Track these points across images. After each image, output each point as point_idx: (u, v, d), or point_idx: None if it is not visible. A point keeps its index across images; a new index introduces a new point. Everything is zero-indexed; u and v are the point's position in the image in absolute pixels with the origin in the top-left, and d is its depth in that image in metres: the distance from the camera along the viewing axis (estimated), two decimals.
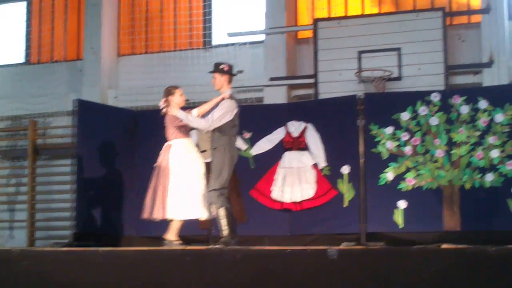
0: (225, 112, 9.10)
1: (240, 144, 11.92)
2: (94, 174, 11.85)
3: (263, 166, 11.96)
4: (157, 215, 8.93)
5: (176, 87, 9.38)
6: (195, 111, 9.13)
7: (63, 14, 17.01)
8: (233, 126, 9.24)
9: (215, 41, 15.90)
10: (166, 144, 9.18)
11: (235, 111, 9.22)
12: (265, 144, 12.02)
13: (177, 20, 16.25)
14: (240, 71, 14.65)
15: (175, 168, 8.98)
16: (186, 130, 9.21)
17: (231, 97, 9.25)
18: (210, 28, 15.96)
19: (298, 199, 11.59)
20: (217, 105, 9.17)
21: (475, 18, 14.20)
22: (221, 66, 9.38)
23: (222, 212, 9.00)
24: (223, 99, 9.18)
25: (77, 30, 16.92)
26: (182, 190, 8.91)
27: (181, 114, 9.05)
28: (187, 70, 14.83)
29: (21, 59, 17.31)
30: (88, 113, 12.18)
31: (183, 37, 16.04)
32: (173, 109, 9.08)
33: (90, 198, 11.81)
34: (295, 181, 11.65)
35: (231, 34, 15.10)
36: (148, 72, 15.46)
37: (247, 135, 12.05)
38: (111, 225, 11.88)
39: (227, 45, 15.30)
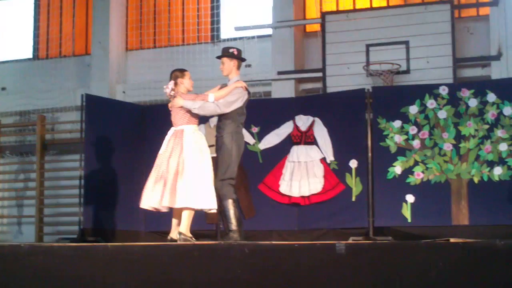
0: (236, 99, 8.78)
1: (248, 138, 11.93)
2: (102, 169, 11.88)
3: (271, 160, 11.96)
4: (168, 203, 8.45)
5: (184, 70, 8.91)
6: (212, 96, 8.70)
7: (71, 9, 17.03)
8: (241, 114, 8.93)
9: (223, 35, 15.90)
10: (174, 129, 8.71)
11: (246, 97, 8.91)
12: (273, 138, 12.02)
13: (185, 14, 16.26)
14: (248, 65, 14.66)
15: (189, 154, 8.51)
16: (197, 115, 8.73)
17: (246, 86, 8.93)
18: (218, 22, 15.95)
19: (306, 193, 11.59)
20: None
21: (484, 11, 14.16)
22: (231, 50, 9.02)
23: (230, 204, 8.73)
24: (235, 87, 8.80)
25: (85, 25, 16.93)
26: (196, 179, 8.44)
27: (189, 104, 8.62)
28: (195, 64, 14.80)
29: (29, 54, 17.34)
30: (96, 108, 12.21)
31: (191, 31, 16.03)
32: (179, 100, 8.66)
33: (98, 193, 11.83)
34: (303, 175, 11.66)
35: (238, 28, 15.08)
36: (156, 66, 15.45)
37: (255, 129, 12.06)
38: (119, 220, 11.91)
39: (235, 39, 15.27)
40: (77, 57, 16.71)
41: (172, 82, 8.73)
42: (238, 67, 9.04)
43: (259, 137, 12.08)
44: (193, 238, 8.51)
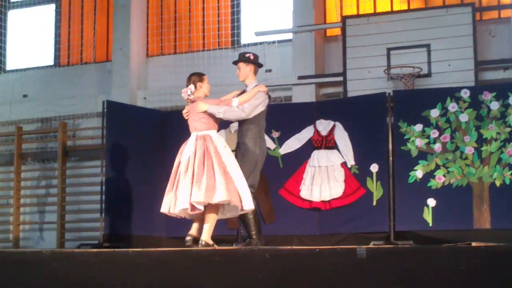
0: (260, 103, 8.75)
1: (269, 143, 11.92)
2: (123, 175, 11.91)
3: (292, 165, 11.95)
4: (196, 198, 8.17)
5: (203, 74, 8.80)
6: (236, 101, 8.62)
7: (92, 16, 17.08)
8: (262, 118, 8.88)
9: (244, 40, 15.89)
10: (196, 134, 8.51)
11: (267, 101, 8.89)
12: (293, 143, 12.01)
13: (205, 20, 16.27)
14: (269, 70, 14.66)
15: (227, 157, 8.37)
16: (218, 120, 8.62)
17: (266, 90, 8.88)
18: (238, 27, 15.93)
19: (327, 198, 11.57)
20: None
21: (505, 13, 14.06)
22: (247, 55, 9.00)
23: (251, 213, 8.67)
24: (258, 91, 8.75)
25: (106, 32, 16.98)
26: (239, 180, 8.30)
27: (214, 109, 8.51)
28: (215, 69, 14.79)
29: (51, 62, 17.41)
30: (117, 114, 12.25)
31: (211, 36, 16.04)
32: (203, 104, 8.51)
33: (119, 199, 11.86)
34: (323, 180, 11.63)
35: (259, 33, 15.07)
36: (176, 72, 15.45)
37: (276, 134, 12.05)
38: (140, 226, 11.93)
39: (255, 44, 15.24)
40: (98, 63, 16.76)
41: (192, 86, 8.66)
42: (255, 72, 9.04)
43: (280, 142, 12.07)
44: (215, 245, 8.37)
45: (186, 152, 8.47)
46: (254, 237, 8.78)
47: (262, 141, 8.89)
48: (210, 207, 8.37)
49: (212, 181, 8.21)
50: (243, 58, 9.02)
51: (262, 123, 8.92)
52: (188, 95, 8.63)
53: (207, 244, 8.30)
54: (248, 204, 8.36)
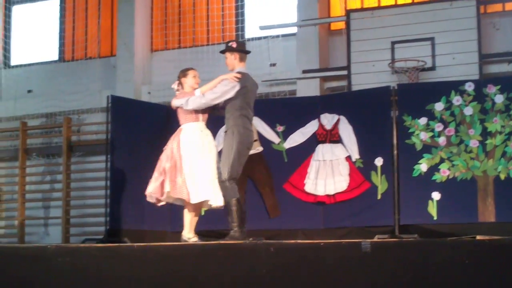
0: (225, 89, 8.66)
1: (273, 137, 11.96)
2: (127, 170, 11.91)
3: (296, 159, 11.94)
4: (169, 189, 8.62)
5: (189, 69, 9.06)
6: (198, 91, 8.79)
7: (96, 11, 17.10)
8: (240, 107, 8.73)
9: (248, 34, 15.87)
10: (178, 128, 8.95)
11: (237, 88, 8.69)
12: (298, 137, 11.99)
13: (209, 14, 16.26)
14: (273, 64, 14.66)
15: (184, 152, 8.67)
16: (197, 113, 8.84)
17: (241, 75, 8.74)
18: (242, 21, 15.92)
19: (332, 192, 11.56)
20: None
21: (510, 6, 14.04)
22: (229, 44, 8.99)
23: (232, 203, 8.61)
24: (222, 80, 8.72)
25: (111, 27, 16.99)
26: (191, 174, 8.56)
27: (178, 102, 8.84)
28: (220, 64, 14.72)
29: (55, 57, 17.45)
30: (122, 109, 12.25)
31: (215, 31, 16.03)
32: (172, 100, 8.94)
33: (124, 194, 11.86)
34: (328, 174, 11.62)
35: (263, 27, 15.06)
36: (181, 67, 15.17)
37: (280, 128, 12.04)
38: (145, 220, 11.92)
39: (259, 38, 15.26)
40: (102, 58, 16.78)
41: (176, 82, 9.03)
42: (241, 60, 8.97)
43: (284, 136, 12.05)
44: (196, 238, 8.74)
45: (168, 144, 8.95)
46: (234, 229, 8.62)
47: (241, 130, 8.71)
48: (185, 203, 8.77)
49: (176, 179, 8.66)
50: (227, 48, 9.00)
51: (243, 112, 8.77)
52: (175, 91, 9.07)
53: (184, 238, 8.72)
54: (195, 197, 8.56)
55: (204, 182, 8.60)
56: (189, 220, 8.82)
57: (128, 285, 7.43)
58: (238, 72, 8.81)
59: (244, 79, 8.80)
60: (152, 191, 8.83)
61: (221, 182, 8.66)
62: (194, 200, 8.58)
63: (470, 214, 10.92)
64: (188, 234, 8.75)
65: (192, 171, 8.60)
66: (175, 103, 8.90)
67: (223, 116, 8.94)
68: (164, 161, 8.79)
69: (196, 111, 8.82)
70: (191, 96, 8.78)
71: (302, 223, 11.72)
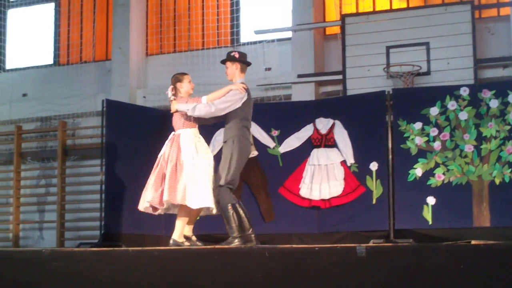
0: (231, 100, 8.71)
1: (268, 142, 11.97)
2: (122, 174, 11.90)
3: (291, 164, 11.93)
4: (168, 198, 8.59)
5: (184, 74, 9.07)
6: (205, 98, 8.78)
7: (91, 15, 17.08)
8: (243, 118, 8.81)
9: (243, 38, 15.86)
10: (172, 133, 8.93)
11: (244, 99, 8.79)
12: (293, 142, 11.99)
13: (204, 19, 16.26)
14: (268, 69, 14.67)
15: (185, 158, 8.66)
16: (195, 120, 8.87)
17: (244, 87, 8.82)
18: (238, 26, 15.93)
19: (327, 196, 11.56)
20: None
21: (505, 11, 14.06)
22: (232, 54, 9.01)
23: (229, 209, 8.61)
24: (231, 90, 8.76)
25: (106, 31, 16.98)
26: (193, 180, 8.56)
27: (182, 107, 8.77)
28: (215, 68, 14.79)
29: (50, 61, 17.42)
30: (117, 113, 12.24)
31: (211, 35, 16.05)
32: (174, 104, 8.86)
33: (119, 198, 11.84)
34: (323, 178, 11.62)
35: (258, 32, 15.07)
36: (176, 71, 15.24)
37: (275, 132, 12.04)
38: (140, 225, 11.89)
39: (254, 42, 15.26)
40: (97, 62, 16.75)
41: (171, 87, 8.96)
42: (242, 70, 9.01)
43: (279, 140, 12.05)
44: (185, 243, 8.72)
45: (161, 151, 8.92)
46: (234, 235, 8.61)
47: (243, 141, 8.78)
48: (179, 208, 8.78)
49: (177, 185, 8.61)
50: (229, 57, 9.02)
51: (245, 123, 8.85)
52: (169, 96, 8.97)
53: (175, 243, 8.67)
54: (196, 203, 8.57)
55: (205, 188, 8.61)
56: (182, 225, 8.80)
57: None
58: (235, 84, 8.89)
59: (248, 91, 8.91)
60: (151, 200, 8.78)
61: (218, 188, 8.66)
62: (195, 205, 8.57)
63: (465, 219, 10.91)
64: (179, 239, 8.74)
65: (194, 177, 8.59)
66: (179, 107, 8.80)
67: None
68: (163, 167, 8.76)
69: (195, 118, 8.83)
70: (198, 104, 8.75)
71: (297, 227, 11.71)
